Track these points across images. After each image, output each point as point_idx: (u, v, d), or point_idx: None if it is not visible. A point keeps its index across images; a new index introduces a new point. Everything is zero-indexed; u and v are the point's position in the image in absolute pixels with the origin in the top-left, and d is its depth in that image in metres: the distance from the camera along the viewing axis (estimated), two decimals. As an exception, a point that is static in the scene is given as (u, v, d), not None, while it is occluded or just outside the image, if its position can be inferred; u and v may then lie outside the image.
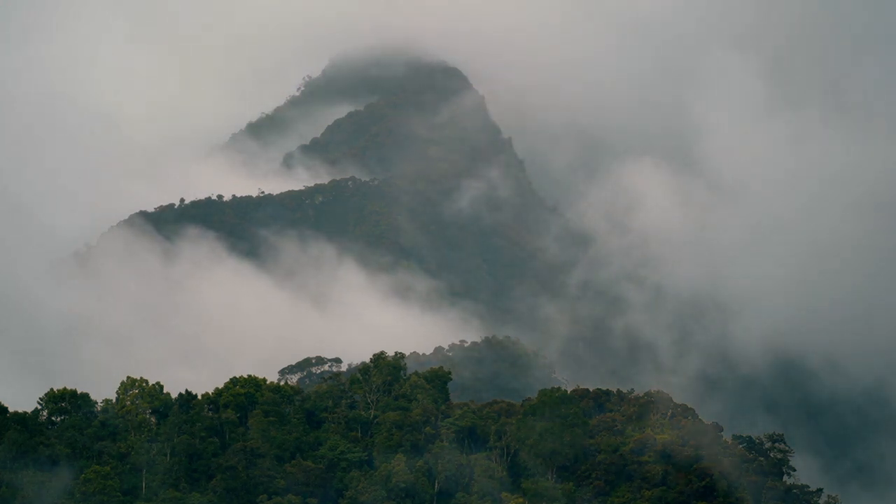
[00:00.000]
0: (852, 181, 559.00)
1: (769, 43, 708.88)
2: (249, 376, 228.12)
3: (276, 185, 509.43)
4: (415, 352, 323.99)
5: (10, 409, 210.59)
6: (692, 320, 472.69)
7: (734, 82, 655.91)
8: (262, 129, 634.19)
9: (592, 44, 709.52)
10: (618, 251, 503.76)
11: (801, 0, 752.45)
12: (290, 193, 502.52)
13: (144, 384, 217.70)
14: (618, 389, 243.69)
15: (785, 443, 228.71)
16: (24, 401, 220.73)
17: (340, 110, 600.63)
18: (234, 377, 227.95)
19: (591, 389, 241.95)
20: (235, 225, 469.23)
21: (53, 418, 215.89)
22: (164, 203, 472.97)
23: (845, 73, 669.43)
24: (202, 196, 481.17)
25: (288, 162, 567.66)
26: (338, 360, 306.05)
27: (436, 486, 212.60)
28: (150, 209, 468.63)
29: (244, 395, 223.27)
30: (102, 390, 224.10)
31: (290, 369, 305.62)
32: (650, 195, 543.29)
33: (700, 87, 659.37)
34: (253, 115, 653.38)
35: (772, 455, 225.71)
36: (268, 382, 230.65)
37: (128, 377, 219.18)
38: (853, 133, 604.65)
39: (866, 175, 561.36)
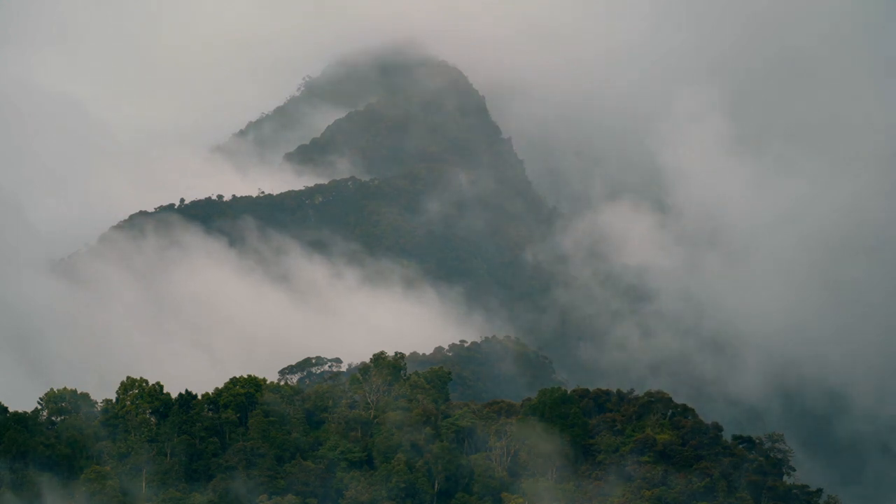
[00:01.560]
0: (823, 215, 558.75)
1: (735, 80, 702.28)
2: (249, 376, 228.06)
3: (276, 185, 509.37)
4: (415, 352, 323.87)
5: (10, 409, 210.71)
6: (687, 356, 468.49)
7: (703, 120, 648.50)
8: (262, 129, 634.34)
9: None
10: (602, 290, 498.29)
11: (763, 40, 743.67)
12: (290, 193, 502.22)
13: (144, 384, 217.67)
14: (618, 390, 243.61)
15: (785, 443, 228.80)
16: (24, 401, 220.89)
17: (340, 110, 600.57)
18: (234, 377, 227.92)
19: (591, 389, 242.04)
20: (235, 225, 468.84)
21: (53, 418, 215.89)
22: (164, 203, 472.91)
23: (810, 111, 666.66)
24: (202, 196, 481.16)
25: (288, 162, 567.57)
26: (338, 360, 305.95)
27: (436, 486, 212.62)
28: (150, 209, 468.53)
29: (244, 395, 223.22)
30: (102, 390, 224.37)
31: (290, 369, 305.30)
32: (631, 235, 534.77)
33: (669, 125, 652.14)
34: (253, 115, 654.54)
35: (772, 455, 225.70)
36: (268, 382, 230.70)
37: (128, 377, 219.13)
38: (822, 170, 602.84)
39: (836, 209, 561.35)
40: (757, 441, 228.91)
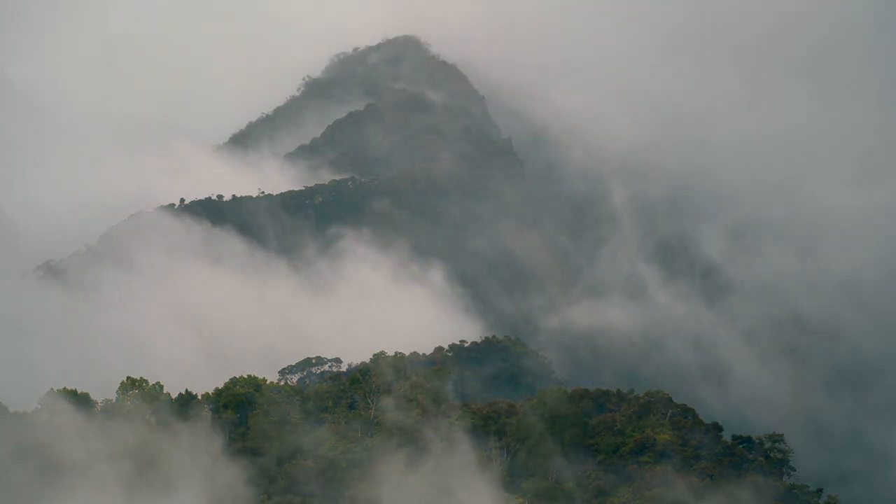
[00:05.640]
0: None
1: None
2: (249, 376, 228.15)
3: (276, 185, 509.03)
4: (415, 352, 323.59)
5: (10, 409, 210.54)
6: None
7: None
8: (262, 128, 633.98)
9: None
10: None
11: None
12: (290, 193, 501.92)
13: (144, 384, 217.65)
14: (618, 389, 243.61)
15: (785, 442, 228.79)
16: (24, 401, 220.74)
17: (340, 110, 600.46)
18: (234, 377, 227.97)
19: (591, 389, 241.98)
20: (235, 225, 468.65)
21: (53, 418, 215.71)
22: (164, 203, 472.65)
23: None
24: (202, 196, 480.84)
25: (288, 162, 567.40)
26: (338, 360, 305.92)
27: (436, 486, 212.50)
28: (150, 209, 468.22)
29: (244, 395, 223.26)
30: (102, 390, 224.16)
31: (290, 369, 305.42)
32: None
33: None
34: (253, 115, 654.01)
35: (772, 455, 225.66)
36: (268, 382, 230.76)
37: (128, 377, 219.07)
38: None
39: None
40: (757, 441, 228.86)
